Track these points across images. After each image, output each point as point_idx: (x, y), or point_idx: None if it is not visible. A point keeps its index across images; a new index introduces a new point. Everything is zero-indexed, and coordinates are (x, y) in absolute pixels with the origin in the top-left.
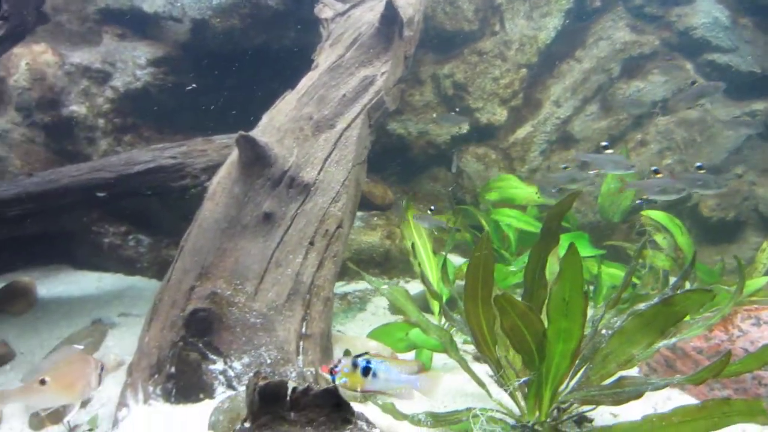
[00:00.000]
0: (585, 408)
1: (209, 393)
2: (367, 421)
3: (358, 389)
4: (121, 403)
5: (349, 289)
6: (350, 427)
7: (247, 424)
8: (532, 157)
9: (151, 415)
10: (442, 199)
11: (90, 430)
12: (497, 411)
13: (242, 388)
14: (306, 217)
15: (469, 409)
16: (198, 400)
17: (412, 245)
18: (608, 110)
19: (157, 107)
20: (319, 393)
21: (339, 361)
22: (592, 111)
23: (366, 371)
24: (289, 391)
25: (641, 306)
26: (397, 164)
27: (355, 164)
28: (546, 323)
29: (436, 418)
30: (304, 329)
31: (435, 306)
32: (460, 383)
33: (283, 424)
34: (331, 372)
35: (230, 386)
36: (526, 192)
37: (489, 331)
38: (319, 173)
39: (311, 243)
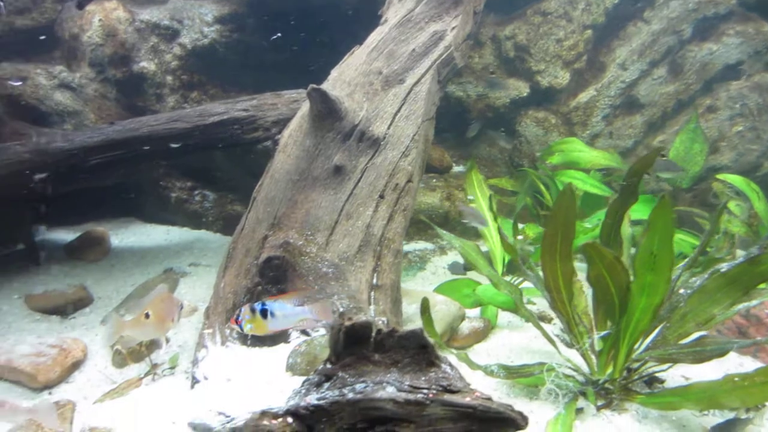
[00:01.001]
0: (656, 369)
1: (284, 338)
2: (451, 365)
3: (266, 332)
4: (200, 345)
5: (409, 248)
6: (435, 369)
7: (329, 365)
8: (594, 122)
9: (229, 357)
10: (498, 164)
11: (171, 368)
12: (567, 367)
13: (315, 334)
14: (376, 170)
15: (540, 364)
16: (273, 344)
17: (490, 198)
18: (677, 74)
19: (223, 64)
20: (405, 334)
21: (240, 311)
22: (659, 75)
23: (264, 313)
24: (374, 333)
25: (723, 266)
26: (456, 127)
27: (425, 120)
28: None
29: (508, 371)
30: (375, 280)
31: (498, 265)
32: (526, 340)
33: (368, 365)
34: (237, 322)
35: (304, 332)
36: (590, 155)
37: (565, 287)
38: (388, 128)
39: (381, 196)
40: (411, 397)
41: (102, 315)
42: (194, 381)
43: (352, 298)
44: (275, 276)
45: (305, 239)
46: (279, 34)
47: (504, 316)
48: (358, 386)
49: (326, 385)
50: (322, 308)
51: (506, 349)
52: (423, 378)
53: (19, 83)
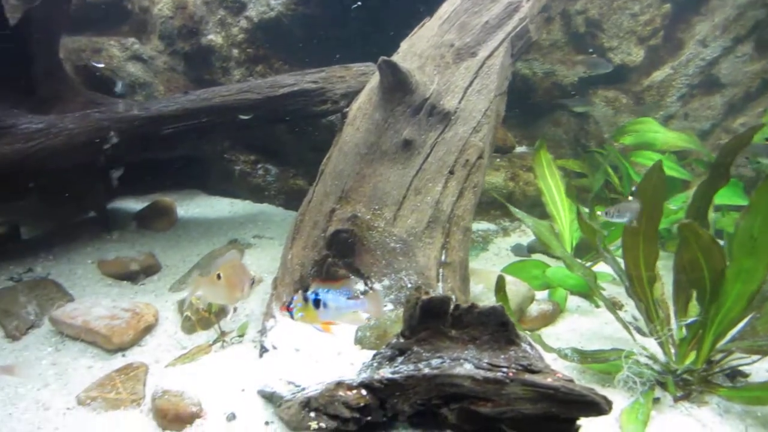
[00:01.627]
0: (741, 361)
1: None
2: (530, 344)
3: (316, 322)
4: (268, 314)
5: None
6: (514, 348)
7: (402, 339)
8: (669, 102)
9: (297, 327)
10: (563, 146)
11: (239, 336)
12: (643, 355)
13: (384, 309)
14: (446, 145)
15: (615, 350)
16: None
17: (567, 180)
18: (764, 51)
19: (288, 38)
20: (484, 311)
21: (292, 299)
22: (744, 52)
23: (317, 303)
24: (451, 308)
25: None
26: (519, 106)
27: (497, 95)
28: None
29: (582, 355)
30: (443, 257)
31: (567, 247)
32: (597, 326)
33: (444, 341)
34: (288, 309)
35: None
36: (666, 136)
37: (647, 269)
38: (460, 102)
39: (451, 172)
40: (490, 375)
41: (170, 282)
42: (263, 350)
43: (421, 274)
44: (343, 249)
45: (373, 213)
46: (358, 3)
47: (573, 301)
48: (434, 361)
49: (400, 359)
50: (375, 304)
51: (576, 334)
52: (502, 356)
53: (102, 65)
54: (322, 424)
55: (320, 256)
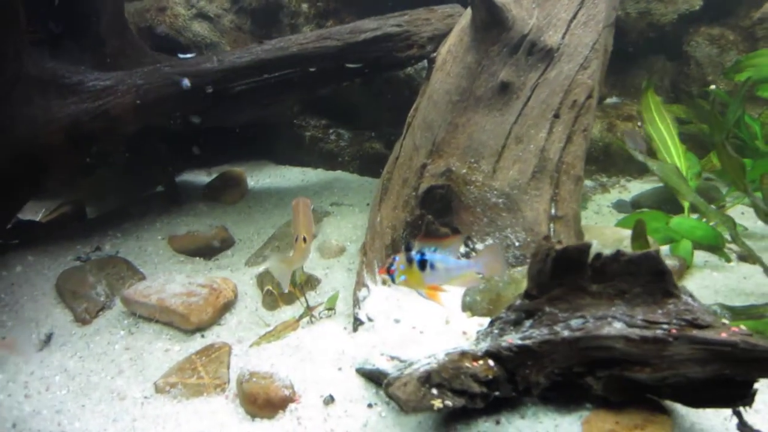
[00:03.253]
0: None
1: None
2: (692, 296)
3: (421, 287)
4: (360, 284)
5: None
6: (673, 300)
7: (527, 300)
8: None
9: (393, 295)
10: (659, 94)
11: (328, 309)
12: None
13: None
14: (549, 86)
15: None
16: None
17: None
18: None
19: None
20: (634, 258)
21: (393, 260)
22: None
23: (422, 264)
24: (590, 259)
25: None
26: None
27: (605, 26)
28: None
29: (733, 312)
30: (553, 210)
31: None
32: (734, 282)
33: (584, 297)
34: (389, 272)
35: None
36: None
37: None
38: (563, 37)
39: (556, 116)
40: (648, 333)
41: (245, 257)
42: (357, 323)
43: (529, 230)
44: (438, 207)
45: (469, 167)
46: None
47: (698, 256)
48: (574, 322)
49: (528, 322)
50: (492, 262)
51: (710, 291)
52: (660, 311)
53: (193, 54)
54: (448, 402)
55: (412, 217)
